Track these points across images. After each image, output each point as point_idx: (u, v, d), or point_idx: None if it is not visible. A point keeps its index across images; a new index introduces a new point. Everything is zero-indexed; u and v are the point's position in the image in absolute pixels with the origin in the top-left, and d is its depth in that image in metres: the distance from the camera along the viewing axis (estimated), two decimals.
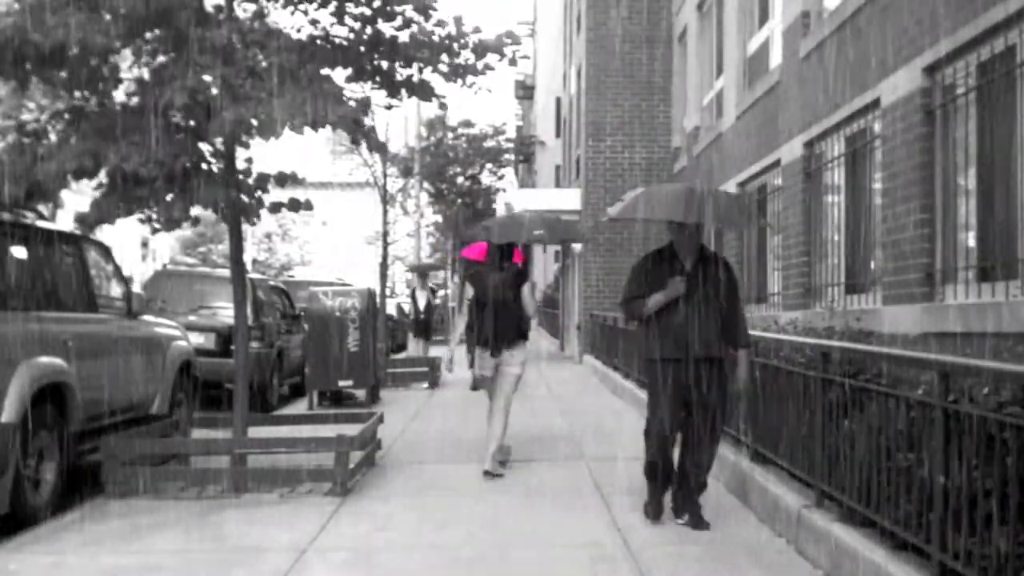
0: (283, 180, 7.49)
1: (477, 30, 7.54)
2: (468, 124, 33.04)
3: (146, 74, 7.11)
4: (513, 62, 7.69)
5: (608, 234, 20.43)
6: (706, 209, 5.90)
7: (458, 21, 7.43)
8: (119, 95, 7.13)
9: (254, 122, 6.70)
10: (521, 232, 9.19)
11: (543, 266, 33.22)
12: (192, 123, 7.12)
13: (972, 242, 7.31)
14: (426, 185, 33.69)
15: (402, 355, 20.77)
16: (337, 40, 7.39)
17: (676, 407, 5.91)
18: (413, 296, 19.70)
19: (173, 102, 6.61)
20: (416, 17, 7.34)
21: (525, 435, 9.57)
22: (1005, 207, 6.80)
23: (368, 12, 7.33)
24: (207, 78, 6.79)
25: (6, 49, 6.39)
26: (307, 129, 6.84)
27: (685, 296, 5.87)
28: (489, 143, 33.48)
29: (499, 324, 7.79)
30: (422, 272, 21.43)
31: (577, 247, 20.91)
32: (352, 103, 7.19)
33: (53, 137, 6.99)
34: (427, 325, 19.53)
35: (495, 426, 7.86)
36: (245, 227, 7.81)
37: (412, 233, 35.37)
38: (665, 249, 6.12)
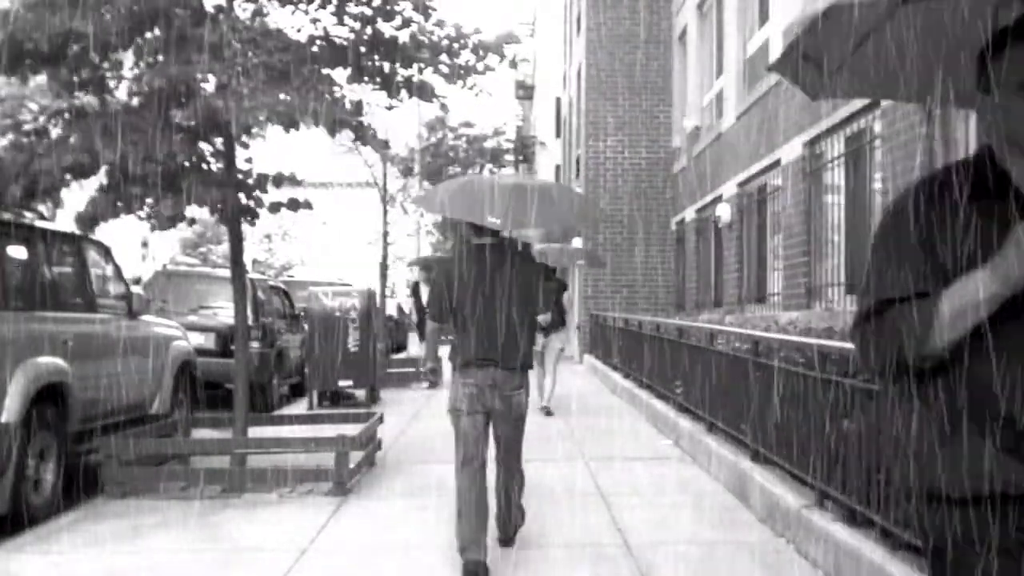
0: (280, 181, 7.49)
1: (477, 31, 7.55)
2: (468, 124, 33.07)
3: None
4: (513, 64, 7.71)
5: (607, 233, 20.41)
6: None
7: (458, 27, 7.46)
8: (121, 94, 7.12)
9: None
10: (569, 262, 13.06)
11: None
12: (192, 123, 7.12)
13: None
14: (426, 185, 33.70)
15: (402, 355, 20.72)
16: (337, 40, 7.39)
17: None
18: (416, 291, 18.17)
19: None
20: (416, 17, 7.35)
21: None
22: None
23: (368, 12, 7.33)
24: (199, 75, 6.78)
25: (7, 47, 6.39)
26: (306, 128, 6.82)
27: None
28: (489, 143, 33.51)
29: (549, 316, 11.30)
30: (426, 266, 19.36)
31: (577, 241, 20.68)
32: (348, 104, 7.19)
33: (54, 136, 6.98)
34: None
35: (547, 382, 11.77)
36: (245, 227, 7.82)
37: (412, 233, 35.37)
38: (973, 167, 1.93)
